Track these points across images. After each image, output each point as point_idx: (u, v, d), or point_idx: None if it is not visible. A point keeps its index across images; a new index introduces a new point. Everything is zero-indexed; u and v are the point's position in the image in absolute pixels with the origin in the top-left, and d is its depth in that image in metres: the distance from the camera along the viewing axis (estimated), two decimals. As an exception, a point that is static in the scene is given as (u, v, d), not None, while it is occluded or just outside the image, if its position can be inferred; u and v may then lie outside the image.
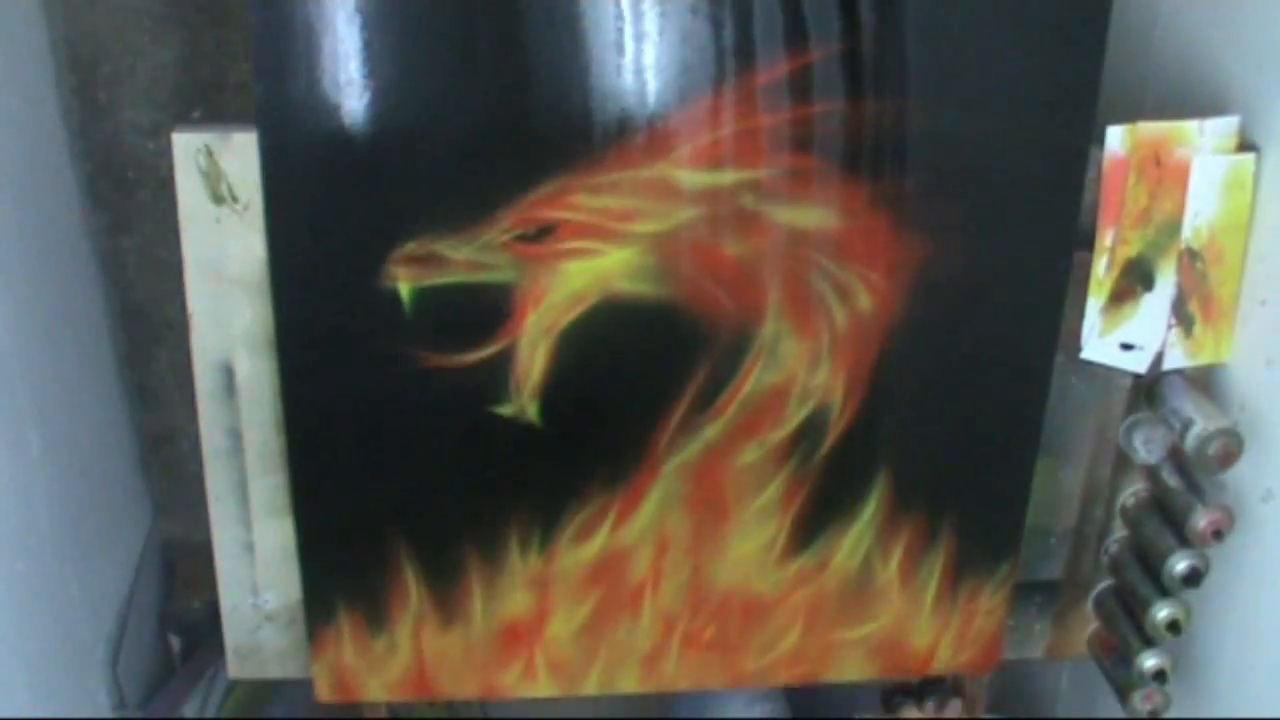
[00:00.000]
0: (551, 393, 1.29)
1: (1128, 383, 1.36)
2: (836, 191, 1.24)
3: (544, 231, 1.23)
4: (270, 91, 1.17)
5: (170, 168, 1.22)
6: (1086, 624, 1.51)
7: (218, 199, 1.22)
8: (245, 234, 1.23)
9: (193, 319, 1.27)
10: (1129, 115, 1.26)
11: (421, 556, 1.36)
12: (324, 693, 1.43)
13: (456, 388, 1.28)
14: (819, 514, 1.37)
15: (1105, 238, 1.29)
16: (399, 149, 1.19)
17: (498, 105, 1.19)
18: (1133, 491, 1.42)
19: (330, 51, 1.15)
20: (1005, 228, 1.28)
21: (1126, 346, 1.32)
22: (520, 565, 1.37)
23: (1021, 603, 1.47)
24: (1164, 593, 1.35)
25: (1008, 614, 1.45)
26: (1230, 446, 1.26)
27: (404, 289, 1.24)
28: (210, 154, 1.21)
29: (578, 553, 1.37)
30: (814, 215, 1.25)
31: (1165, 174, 1.26)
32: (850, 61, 1.19)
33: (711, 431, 1.33)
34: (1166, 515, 1.35)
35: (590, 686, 1.46)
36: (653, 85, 1.19)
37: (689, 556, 1.39)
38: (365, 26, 1.15)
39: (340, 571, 1.37)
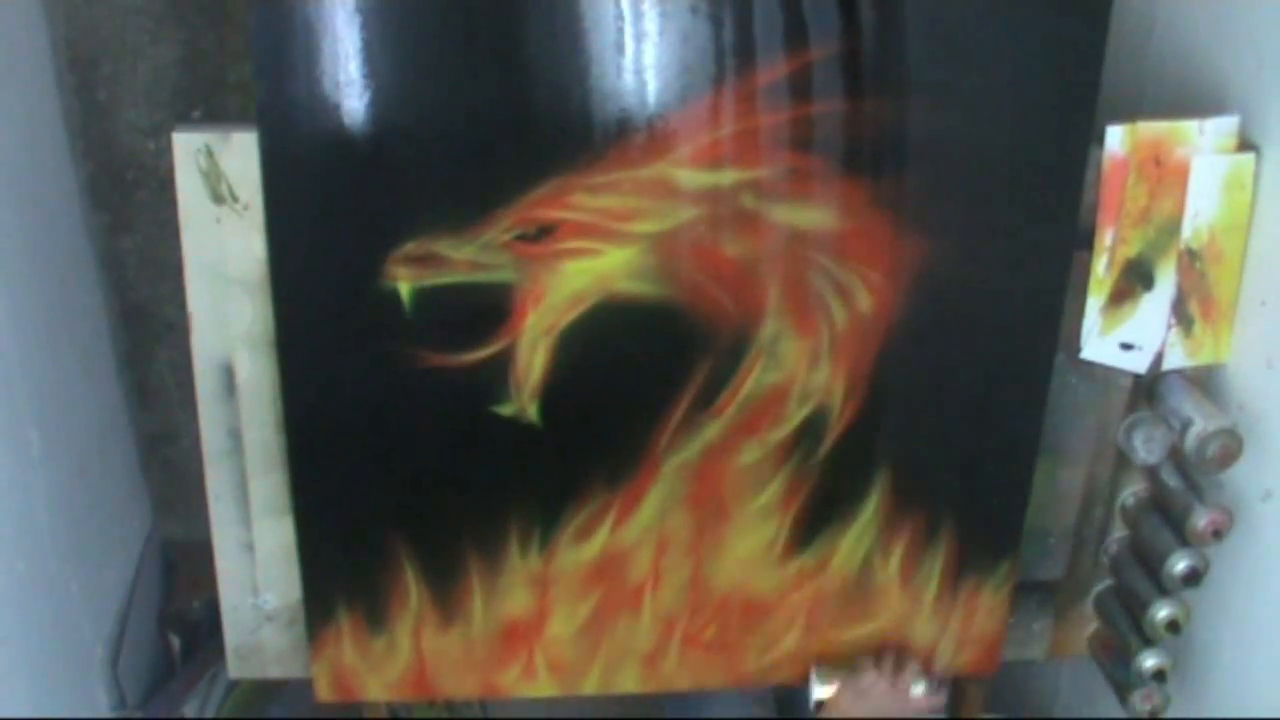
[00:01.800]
0: (551, 393, 1.29)
1: (1128, 383, 1.36)
2: (836, 191, 1.24)
3: (544, 231, 1.23)
4: (270, 91, 1.17)
5: (170, 168, 1.22)
6: (1086, 624, 1.51)
7: (218, 199, 1.22)
8: (245, 234, 1.23)
9: (193, 319, 1.27)
10: (1129, 115, 1.26)
11: (421, 556, 1.36)
12: (324, 692, 1.43)
13: (456, 388, 1.28)
14: (819, 514, 1.37)
15: (1105, 238, 1.29)
16: (399, 149, 1.19)
17: (498, 105, 1.19)
18: (1133, 491, 1.42)
19: (330, 51, 1.15)
20: (1005, 228, 1.28)
21: (1126, 346, 1.32)
22: (520, 565, 1.37)
23: (1021, 603, 1.47)
24: (1164, 592, 1.35)
25: (1008, 614, 1.45)
26: (1230, 446, 1.26)
27: (404, 289, 1.24)
28: (210, 154, 1.21)
29: (578, 552, 1.37)
30: (814, 215, 1.25)
31: (1165, 174, 1.26)
32: (850, 61, 1.19)
33: (711, 431, 1.33)
34: (1166, 515, 1.35)
35: (590, 686, 1.46)
36: (653, 85, 1.19)
37: (689, 556, 1.39)
38: (365, 26, 1.15)
39: (340, 571, 1.37)
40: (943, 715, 1.47)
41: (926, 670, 1.42)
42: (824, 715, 1.39)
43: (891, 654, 1.40)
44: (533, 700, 1.49)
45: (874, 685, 1.37)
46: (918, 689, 1.40)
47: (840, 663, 1.42)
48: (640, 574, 1.39)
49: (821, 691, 1.41)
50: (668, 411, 1.31)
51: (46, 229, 1.55)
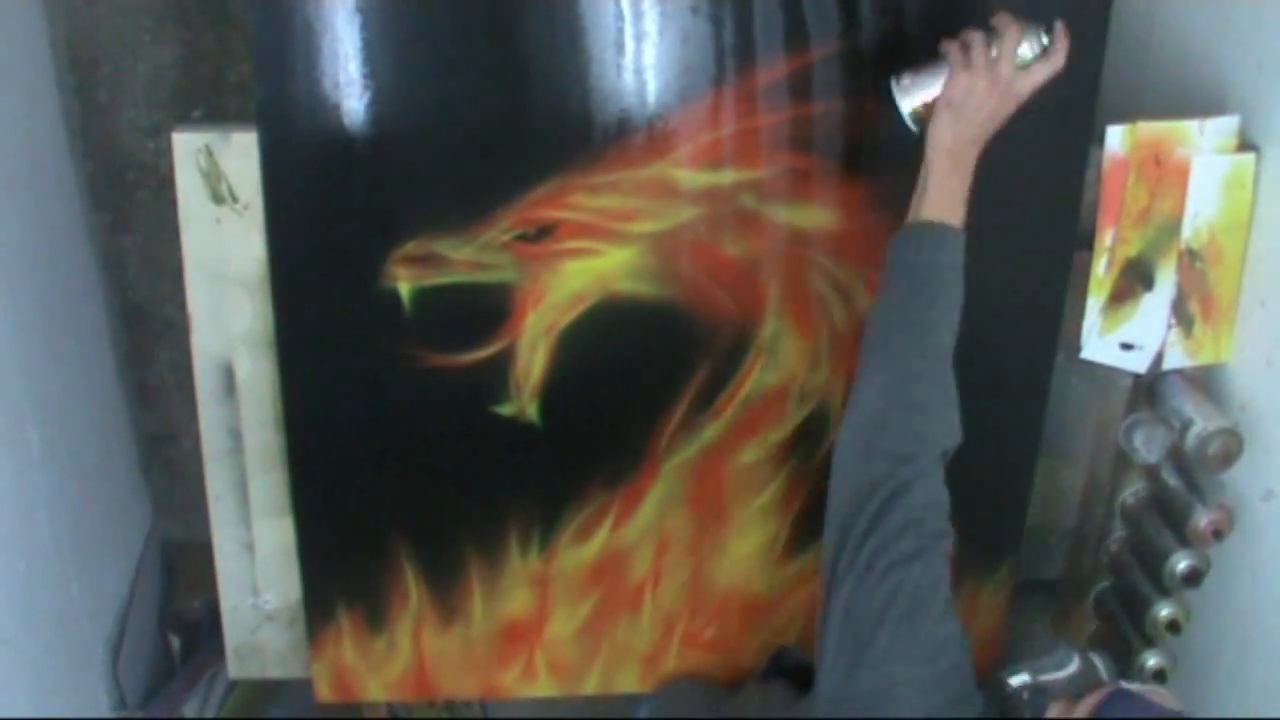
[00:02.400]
0: (551, 393, 1.29)
1: (1128, 383, 1.36)
2: (836, 191, 1.24)
3: (544, 231, 1.23)
4: (270, 91, 1.17)
5: (170, 168, 1.22)
6: (1086, 624, 1.51)
7: (218, 199, 1.22)
8: (245, 234, 1.23)
9: (193, 319, 1.27)
10: (1129, 115, 1.26)
11: (421, 556, 1.36)
12: (324, 693, 1.43)
13: (456, 388, 1.28)
14: (819, 514, 1.36)
15: (1105, 238, 1.29)
16: (399, 149, 1.19)
17: (498, 105, 1.19)
18: (1133, 491, 1.42)
19: (330, 51, 1.15)
20: (1005, 228, 1.28)
21: (1126, 346, 1.32)
22: (520, 565, 1.37)
23: (1021, 603, 1.47)
24: (1164, 592, 1.35)
25: (1008, 614, 1.45)
26: (1230, 446, 1.26)
27: (404, 289, 1.24)
28: (210, 154, 1.21)
29: (578, 553, 1.37)
30: (814, 215, 1.25)
31: (1165, 174, 1.26)
32: (850, 61, 1.19)
33: (711, 431, 1.33)
34: (1166, 515, 1.35)
35: (590, 686, 1.46)
36: (653, 85, 1.19)
37: (689, 556, 1.39)
38: (365, 26, 1.15)
39: (340, 571, 1.37)
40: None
41: (1026, 24, 1.06)
42: (929, 140, 1.07)
43: (975, 35, 1.06)
44: (533, 700, 1.48)
45: (972, 86, 1.05)
46: (1026, 53, 1.06)
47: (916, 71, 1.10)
48: (640, 574, 1.39)
49: (910, 99, 1.09)
50: (668, 412, 1.31)
51: (46, 229, 1.55)
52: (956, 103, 1.06)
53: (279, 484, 1.34)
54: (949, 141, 1.07)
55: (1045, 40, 1.07)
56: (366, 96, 1.17)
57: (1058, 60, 1.07)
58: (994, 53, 1.06)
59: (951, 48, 1.08)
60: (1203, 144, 1.25)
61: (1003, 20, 1.06)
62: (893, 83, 1.11)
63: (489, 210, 1.21)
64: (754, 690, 1.32)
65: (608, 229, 1.23)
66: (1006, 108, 1.08)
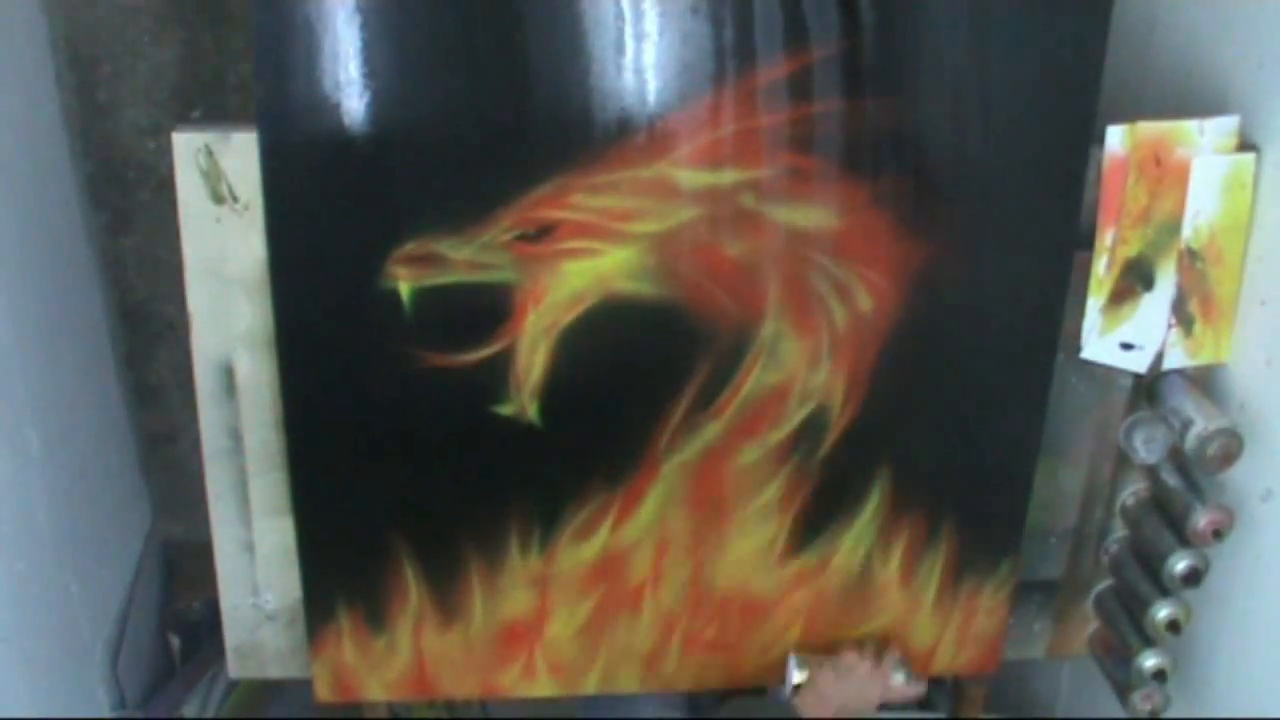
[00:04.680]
0: (551, 393, 1.29)
1: (1128, 383, 1.36)
2: (836, 191, 1.24)
3: (544, 231, 1.23)
4: (270, 91, 1.17)
5: (170, 168, 1.22)
6: (1086, 624, 1.51)
7: (218, 199, 1.22)
8: (245, 234, 1.23)
9: (193, 319, 1.27)
10: (1129, 115, 1.26)
11: (421, 556, 1.36)
12: (324, 692, 1.43)
13: (456, 388, 1.28)
14: (819, 514, 1.37)
15: (1105, 238, 1.28)
16: (399, 149, 1.19)
17: (498, 105, 1.19)
18: (1133, 491, 1.42)
19: (330, 51, 1.15)
20: (1005, 228, 1.28)
21: (1126, 346, 1.32)
22: (520, 565, 1.37)
23: (1021, 603, 1.47)
24: (1164, 592, 1.35)
25: (1008, 614, 1.45)
26: (1230, 446, 1.26)
27: (404, 289, 1.24)
28: (210, 154, 1.21)
29: (578, 552, 1.37)
30: (814, 215, 1.25)
31: (1165, 174, 1.26)
32: (850, 61, 1.19)
33: (711, 431, 1.33)
34: (1166, 515, 1.35)
35: (590, 686, 1.46)
36: (653, 85, 1.19)
37: (689, 556, 1.39)
38: (365, 26, 1.15)
39: (340, 571, 1.37)
40: (941, 715, 1.46)
41: (906, 660, 1.42)
42: (801, 699, 1.38)
43: (873, 641, 1.41)
44: (533, 700, 1.48)
45: (855, 666, 1.37)
46: (898, 676, 1.40)
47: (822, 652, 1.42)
48: (640, 574, 1.39)
49: (799, 675, 1.40)
50: (668, 411, 1.31)
51: (46, 228, 1.55)
52: (842, 667, 1.38)
53: (279, 484, 1.34)
54: (808, 714, 1.37)
55: (915, 678, 1.41)
56: (366, 96, 1.17)
57: (919, 690, 1.41)
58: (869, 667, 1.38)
59: (847, 654, 1.38)
60: (1203, 144, 1.25)
61: (891, 650, 1.41)
62: (791, 657, 1.41)
63: (489, 210, 1.21)
64: None
65: (608, 229, 1.23)
66: (871, 692, 1.38)
